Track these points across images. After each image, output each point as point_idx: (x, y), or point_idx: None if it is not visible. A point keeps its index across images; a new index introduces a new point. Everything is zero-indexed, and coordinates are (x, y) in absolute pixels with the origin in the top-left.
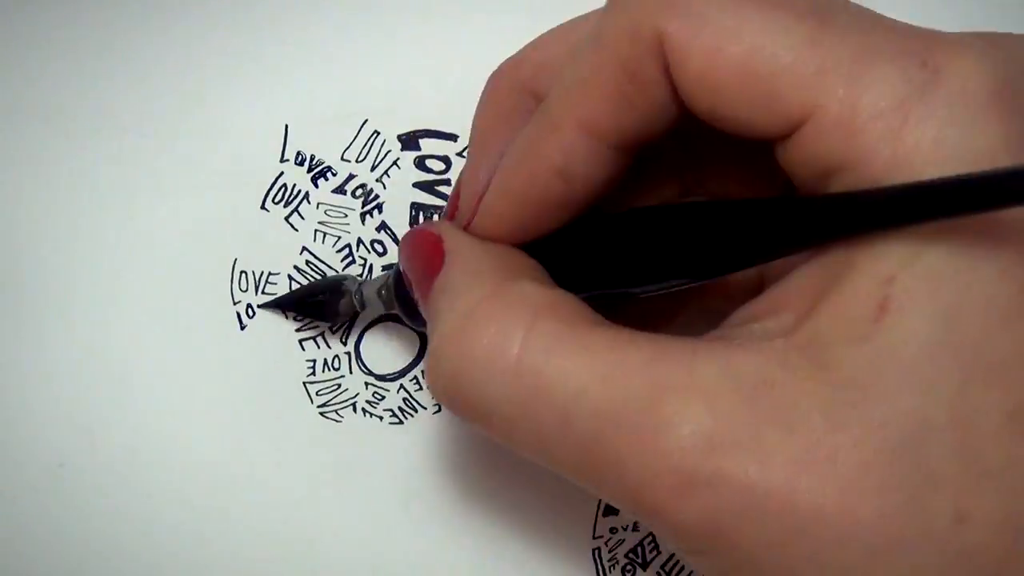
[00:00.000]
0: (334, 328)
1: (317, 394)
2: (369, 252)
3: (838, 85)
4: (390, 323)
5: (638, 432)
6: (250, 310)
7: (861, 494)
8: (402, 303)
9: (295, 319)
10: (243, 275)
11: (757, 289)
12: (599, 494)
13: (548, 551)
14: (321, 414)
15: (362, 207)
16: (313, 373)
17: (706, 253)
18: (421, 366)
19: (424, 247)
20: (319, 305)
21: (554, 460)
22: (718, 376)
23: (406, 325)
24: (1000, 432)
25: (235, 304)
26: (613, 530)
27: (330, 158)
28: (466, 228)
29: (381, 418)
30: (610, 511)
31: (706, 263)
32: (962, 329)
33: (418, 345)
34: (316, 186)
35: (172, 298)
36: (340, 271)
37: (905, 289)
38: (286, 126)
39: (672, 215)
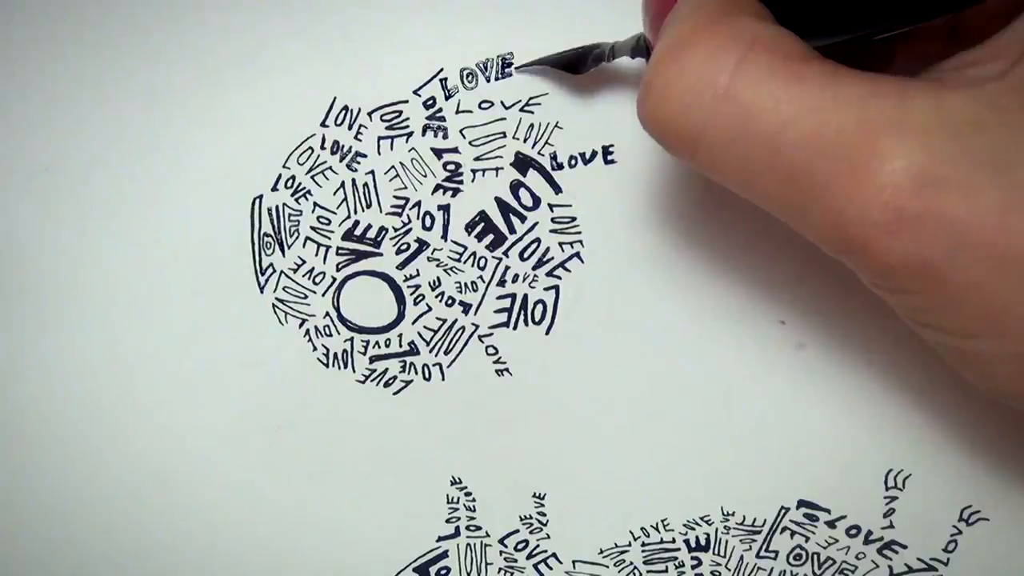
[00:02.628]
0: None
1: (283, 289)
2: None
3: None
4: (384, 283)
5: (848, 164)
6: (291, 181)
7: None
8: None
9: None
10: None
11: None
12: (799, 227)
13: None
14: (273, 306)
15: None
16: (295, 271)
17: None
18: (374, 337)
19: None
20: (576, 58)
21: (758, 190)
22: (930, 114)
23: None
24: None
25: (284, 166)
26: None
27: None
28: None
29: (315, 349)
30: (419, 571)
31: (924, 4)
32: None
33: (392, 319)
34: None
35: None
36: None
37: None
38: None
39: None
